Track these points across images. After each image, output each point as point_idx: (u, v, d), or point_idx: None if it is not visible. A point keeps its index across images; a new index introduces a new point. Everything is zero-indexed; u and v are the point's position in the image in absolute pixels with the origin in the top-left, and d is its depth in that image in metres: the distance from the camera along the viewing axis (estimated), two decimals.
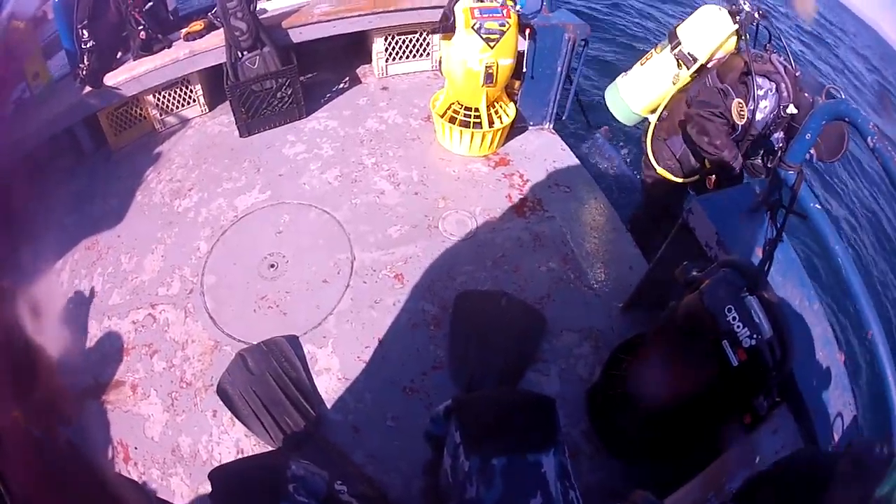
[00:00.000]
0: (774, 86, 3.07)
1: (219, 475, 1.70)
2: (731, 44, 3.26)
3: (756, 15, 3.16)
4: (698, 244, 2.48)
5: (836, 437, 2.01)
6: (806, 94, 3.07)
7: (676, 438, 2.25)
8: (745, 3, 3.18)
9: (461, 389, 2.81)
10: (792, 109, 3.06)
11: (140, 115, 4.38)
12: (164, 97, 4.41)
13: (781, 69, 3.07)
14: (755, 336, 1.83)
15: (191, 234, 3.63)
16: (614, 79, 3.87)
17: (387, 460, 2.62)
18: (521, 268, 3.37)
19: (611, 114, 3.89)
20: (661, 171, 3.61)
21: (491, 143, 4.08)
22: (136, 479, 2.65)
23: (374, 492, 2.50)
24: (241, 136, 4.32)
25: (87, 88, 4.02)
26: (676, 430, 2.22)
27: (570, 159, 4.13)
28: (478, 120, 3.95)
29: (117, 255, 3.59)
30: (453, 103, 4.05)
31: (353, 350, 3.00)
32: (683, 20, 3.42)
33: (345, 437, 2.70)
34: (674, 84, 3.44)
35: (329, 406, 2.81)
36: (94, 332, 3.23)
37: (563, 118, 4.45)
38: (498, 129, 3.99)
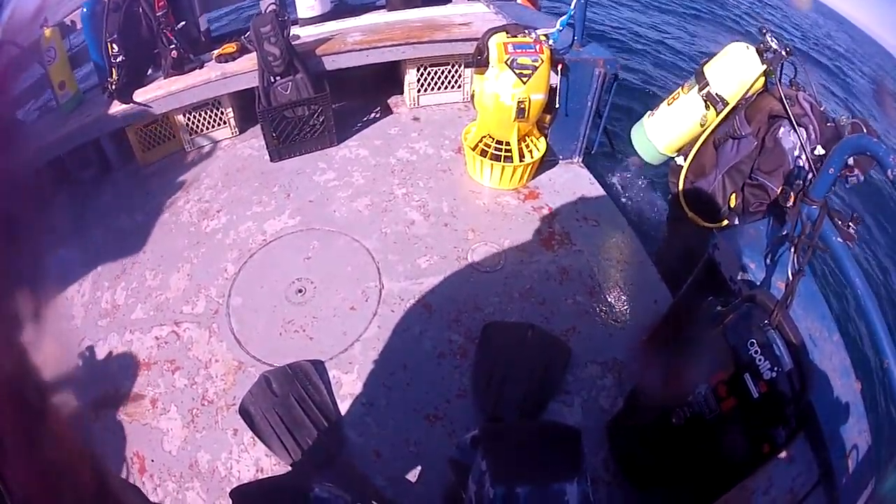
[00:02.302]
0: (803, 131, 3.04)
1: (240, 495, 1.80)
2: (759, 83, 3.28)
3: (784, 53, 3.18)
4: (723, 278, 2.56)
5: (852, 466, 2.05)
6: (829, 124, 3.06)
7: (694, 467, 2.30)
8: (772, 42, 3.20)
9: (484, 418, 2.91)
10: (820, 151, 3.02)
11: (169, 133, 4.58)
12: (193, 117, 4.62)
13: (808, 108, 3.06)
14: (776, 369, 1.90)
15: (218, 254, 3.78)
16: (642, 111, 3.98)
17: (407, 485, 2.72)
18: (547, 301, 3.51)
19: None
20: (690, 214, 3.65)
21: (521, 177, 4.24)
22: (150, 489, 2.74)
23: None
24: (271, 161, 4.51)
25: (116, 103, 4.21)
26: (694, 459, 2.27)
27: (599, 192, 4.27)
28: (508, 153, 4.09)
29: (142, 271, 3.72)
30: (485, 136, 4.21)
31: (378, 376, 3.12)
32: (710, 58, 3.47)
33: (366, 460, 2.79)
34: (701, 126, 3.49)
35: (352, 430, 2.90)
36: (115, 344, 3.34)
37: (592, 152, 4.56)
38: (528, 164, 4.15)
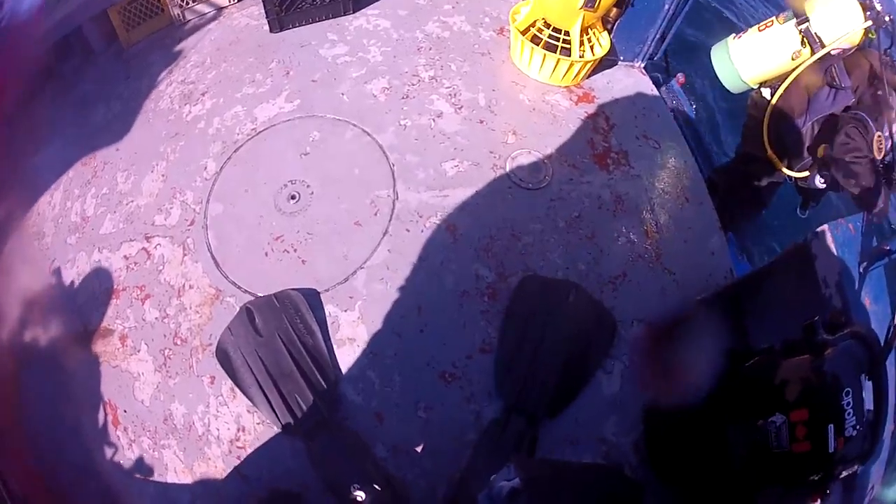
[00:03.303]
0: None
1: None
2: (857, 37, 3.23)
3: (886, 18, 3.15)
4: (814, 276, 2.40)
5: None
6: None
7: (734, 488, 2.25)
8: (877, 3, 3.16)
9: (507, 400, 2.57)
10: None
11: (156, 6, 4.04)
12: None
13: None
14: (858, 427, 1.86)
15: (198, 149, 3.32)
16: (712, 34, 3.99)
17: (412, 457, 2.47)
18: (597, 235, 3.06)
19: (693, 67, 3.89)
20: (770, 154, 3.59)
21: (577, 75, 3.70)
22: (126, 445, 2.64)
23: (394, 496, 2.37)
24: (271, 31, 3.92)
25: None
26: (738, 481, 2.22)
27: (662, 108, 3.75)
28: (566, 45, 3.56)
29: (113, 173, 3.36)
30: (538, 20, 3.62)
31: (385, 318, 2.71)
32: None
33: (366, 424, 2.51)
34: (793, 60, 3.36)
35: (350, 385, 2.57)
36: (83, 266, 3.09)
37: (656, 59, 4.11)
38: (589, 61, 3.62)
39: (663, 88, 4.73)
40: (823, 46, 3.25)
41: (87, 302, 2.96)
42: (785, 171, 3.58)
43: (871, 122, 3.09)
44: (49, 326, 2.91)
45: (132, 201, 3.19)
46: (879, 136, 3.04)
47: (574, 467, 2.22)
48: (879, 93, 3.16)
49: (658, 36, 3.85)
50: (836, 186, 3.39)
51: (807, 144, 3.46)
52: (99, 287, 2.97)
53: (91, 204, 3.26)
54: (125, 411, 2.65)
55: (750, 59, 3.53)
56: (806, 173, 3.50)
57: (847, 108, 3.32)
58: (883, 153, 3.07)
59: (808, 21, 3.28)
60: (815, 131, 3.43)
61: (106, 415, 2.69)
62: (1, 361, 2.70)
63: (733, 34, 3.64)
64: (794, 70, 3.39)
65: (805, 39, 3.28)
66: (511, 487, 1.72)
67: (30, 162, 3.36)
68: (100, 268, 3.04)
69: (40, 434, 2.60)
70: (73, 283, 3.07)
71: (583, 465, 2.38)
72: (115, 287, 2.96)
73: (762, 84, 3.57)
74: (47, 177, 3.48)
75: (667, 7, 3.64)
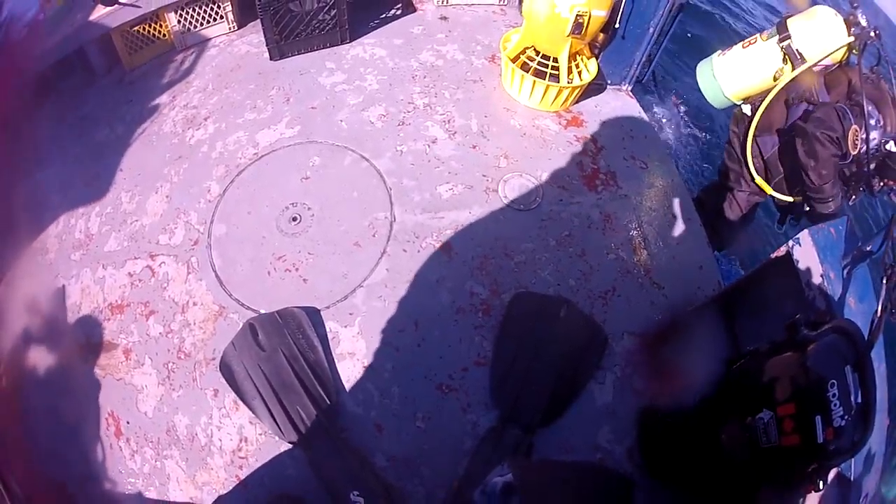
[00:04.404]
0: (882, 118, 3.08)
1: None
2: (839, 55, 3.28)
3: (872, 34, 3.15)
4: (798, 279, 2.45)
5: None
6: None
7: (727, 485, 2.27)
8: (862, 18, 3.17)
9: (503, 410, 2.63)
10: (893, 147, 3.09)
11: (159, 33, 4.16)
12: (186, 13, 4.17)
13: (889, 98, 3.09)
14: (846, 417, 1.86)
15: (202, 171, 3.39)
16: (697, 54, 3.89)
17: (411, 466, 2.50)
18: (587, 252, 3.14)
19: (681, 86, 3.98)
20: (753, 172, 3.62)
21: (566, 100, 3.81)
22: (128, 455, 2.65)
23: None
24: (271, 59, 4.04)
25: (100, 7, 3.86)
26: (731, 479, 2.24)
27: (649, 129, 3.87)
28: (555, 72, 3.67)
29: (118, 193, 3.42)
30: (528, 47, 3.77)
31: (383, 333, 2.77)
32: (794, 14, 3.40)
33: (365, 435, 2.55)
34: (774, 79, 3.40)
35: (350, 398, 2.62)
36: (87, 282, 3.12)
37: (643, 81, 4.28)
38: (577, 87, 3.72)
39: (654, 112, 4.94)
40: (803, 62, 3.28)
41: (91, 316, 2.99)
42: (772, 193, 3.60)
43: (850, 114, 3.07)
44: (52, 339, 2.94)
45: (136, 220, 3.25)
46: (856, 130, 3.03)
47: (566, 465, 2.29)
48: (857, 97, 3.11)
49: (644, 59, 3.98)
50: (813, 213, 3.39)
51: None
52: (103, 302, 3.01)
53: (95, 222, 3.31)
54: (128, 423, 2.69)
55: (734, 76, 3.56)
56: (790, 198, 3.52)
57: None
58: (857, 150, 3.06)
59: (790, 38, 3.32)
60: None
61: (108, 426, 2.71)
62: (3, 372, 2.74)
63: (719, 51, 3.68)
64: (775, 87, 3.42)
65: (787, 56, 3.32)
66: (504, 482, 1.77)
67: (33, 177, 3.40)
68: (104, 283, 3.07)
69: (42, 444, 2.63)
70: (77, 297, 3.08)
71: (574, 462, 2.44)
72: (119, 303, 2.99)
73: (745, 101, 3.62)
74: (51, 194, 3.47)
75: (651, 31, 3.77)
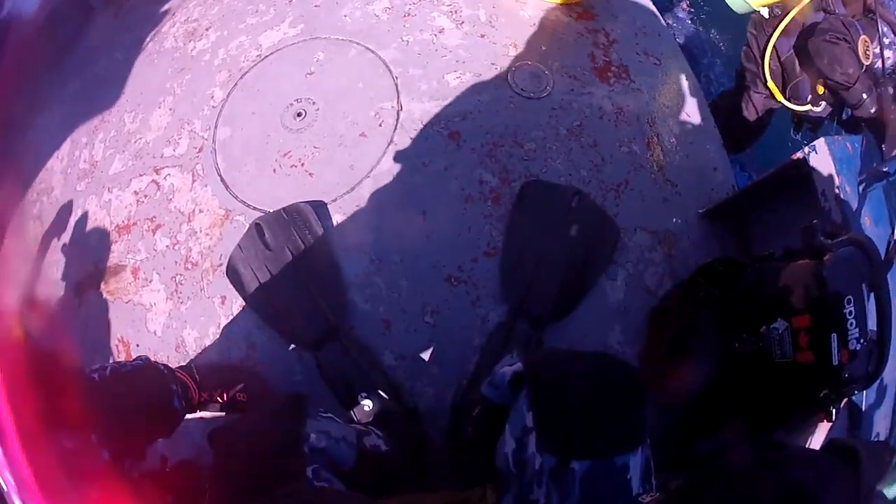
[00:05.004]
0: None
1: (223, 445, 1.71)
2: None
3: None
4: (813, 188, 2.37)
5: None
6: None
7: (736, 399, 2.23)
8: None
9: (512, 304, 2.53)
10: None
11: None
12: None
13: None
14: (862, 341, 1.83)
15: (204, 80, 3.32)
16: None
17: (419, 363, 2.47)
18: (599, 144, 2.98)
19: None
20: (770, 83, 3.66)
21: None
22: None
23: (402, 406, 2.38)
24: None
25: None
26: (740, 392, 2.20)
27: (662, 27, 3.71)
28: None
29: (120, 116, 3.36)
30: None
31: (391, 223, 2.68)
32: None
33: (373, 332, 2.49)
34: None
35: (357, 293, 2.54)
36: (94, 209, 3.09)
37: None
38: None
39: (667, 13, 4.83)
40: None
41: (99, 243, 2.97)
42: (783, 101, 3.62)
43: (859, 27, 3.07)
44: (59, 276, 2.97)
45: (140, 138, 3.19)
46: (866, 40, 3.03)
47: (576, 353, 2.14)
48: (872, 17, 3.14)
49: None
50: (835, 114, 3.49)
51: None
52: (110, 225, 2.97)
53: (99, 148, 3.26)
54: (137, 345, 2.68)
55: None
56: (808, 107, 3.55)
57: None
58: (869, 60, 3.06)
59: None
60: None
61: (119, 353, 2.70)
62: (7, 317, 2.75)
63: None
64: None
65: None
66: (514, 371, 1.70)
67: (32, 130, 3.44)
68: (110, 207, 3.04)
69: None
70: (83, 227, 3.08)
71: (585, 352, 2.27)
72: (125, 223, 2.96)
73: (766, 4, 3.54)
74: (53, 134, 3.50)
75: None
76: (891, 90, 3.14)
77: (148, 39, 3.70)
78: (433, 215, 2.69)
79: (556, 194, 2.77)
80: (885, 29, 3.09)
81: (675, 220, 2.87)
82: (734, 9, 3.62)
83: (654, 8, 3.79)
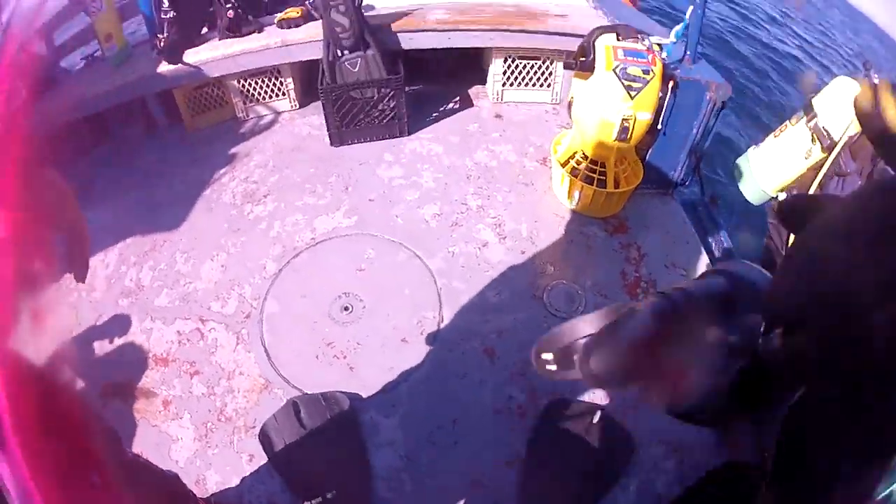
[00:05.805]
0: None
1: None
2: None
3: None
4: None
5: None
6: None
7: None
8: (876, 77, 3.03)
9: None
10: None
11: (221, 98, 4.44)
12: (249, 84, 4.45)
13: None
14: None
15: (259, 248, 3.59)
16: (738, 150, 3.89)
17: None
18: None
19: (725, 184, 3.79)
20: None
21: (613, 205, 3.91)
22: None
23: None
24: (331, 145, 4.29)
25: (165, 62, 4.11)
26: None
27: (690, 235, 3.95)
28: (602, 177, 3.75)
29: (173, 252, 3.59)
30: (577, 152, 3.86)
31: (423, 427, 2.88)
32: (819, 92, 3.34)
33: None
34: (805, 159, 3.33)
35: (383, 484, 2.71)
36: (134, 328, 3.25)
37: (687, 184, 4.27)
38: (625, 191, 3.80)
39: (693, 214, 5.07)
40: (831, 139, 3.20)
41: (135, 363, 3.09)
42: None
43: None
44: (86, 371, 3.04)
45: (190, 283, 3.43)
46: None
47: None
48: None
49: (686, 161, 3.97)
50: None
51: None
52: (148, 352, 3.13)
53: (147, 275, 3.46)
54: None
55: (770, 169, 3.51)
56: None
57: None
58: None
59: (816, 117, 3.26)
60: None
61: None
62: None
63: (753, 145, 3.63)
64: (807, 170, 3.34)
65: (815, 136, 3.25)
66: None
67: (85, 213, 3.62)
68: (151, 335, 3.20)
69: None
70: (122, 341, 3.20)
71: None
72: (164, 356, 3.11)
73: (782, 191, 3.52)
74: (103, 236, 3.63)
75: (695, 131, 3.78)
76: None
77: (207, 185, 3.99)
78: (462, 425, 2.90)
79: (579, 411, 2.98)
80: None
81: (688, 431, 2.93)
82: (752, 201, 3.66)
83: (683, 214, 4.03)
